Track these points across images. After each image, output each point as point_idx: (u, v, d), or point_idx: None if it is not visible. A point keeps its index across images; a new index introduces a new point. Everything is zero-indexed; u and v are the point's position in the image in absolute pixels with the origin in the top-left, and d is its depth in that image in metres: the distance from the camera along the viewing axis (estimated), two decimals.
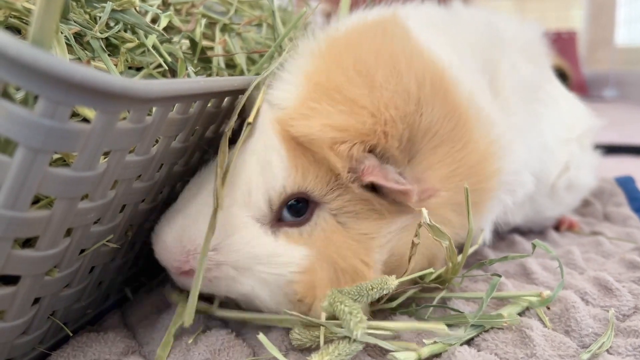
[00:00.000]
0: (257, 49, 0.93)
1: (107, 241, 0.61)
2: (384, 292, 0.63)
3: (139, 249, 0.75)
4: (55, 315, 0.61)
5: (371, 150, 0.65)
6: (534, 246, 0.69)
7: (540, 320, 0.69)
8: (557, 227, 1.16)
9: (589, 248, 1.01)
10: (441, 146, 0.70)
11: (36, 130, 0.40)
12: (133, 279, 0.82)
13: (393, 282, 0.64)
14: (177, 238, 0.64)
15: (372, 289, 0.62)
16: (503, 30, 0.94)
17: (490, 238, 0.92)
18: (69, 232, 0.52)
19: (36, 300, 0.55)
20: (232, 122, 0.66)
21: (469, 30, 0.87)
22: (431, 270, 0.71)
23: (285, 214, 0.66)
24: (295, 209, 0.66)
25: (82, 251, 0.58)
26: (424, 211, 0.66)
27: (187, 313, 0.60)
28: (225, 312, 0.70)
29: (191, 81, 0.52)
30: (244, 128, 0.65)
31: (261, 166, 0.65)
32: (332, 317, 0.61)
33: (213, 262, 0.63)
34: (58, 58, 0.37)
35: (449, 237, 0.68)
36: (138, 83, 0.42)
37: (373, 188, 0.66)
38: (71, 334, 0.66)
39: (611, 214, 1.22)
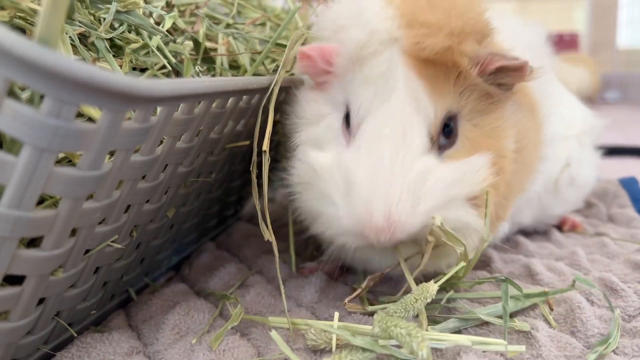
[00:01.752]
0: (260, 49, 0.93)
1: (111, 242, 0.61)
2: (428, 301, 0.63)
3: (143, 249, 0.75)
4: (60, 316, 0.61)
5: None
6: (574, 282, 0.67)
7: (546, 320, 0.69)
8: (560, 227, 1.16)
9: (594, 249, 1.00)
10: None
11: (42, 130, 0.40)
12: (137, 280, 0.82)
13: (433, 289, 0.64)
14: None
15: (416, 301, 0.62)
16: (514, 30, 0.95)
17: (507, 231, 0.92)
18: (74, 232, 0.52)
19: (41, 301, 0.55)
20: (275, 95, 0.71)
21: None
22: (463, 264, 0.69)
23: (442, 139, 0.67)
24: (447, 131, 0.67)
25: (87, 251, 0.58)
26: (438, 218, 0.64)
27: None
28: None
29: (196, 81, 0.52)
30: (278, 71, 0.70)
31: (414, 104, 0.65)
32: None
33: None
34: (64, 57, 0.37)
35: (463, 243, 0.67)
36: (144, 82, 0.42)
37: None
38: (75, 335, 0.66)
39: (615, 215, 1.21)
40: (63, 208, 0.47)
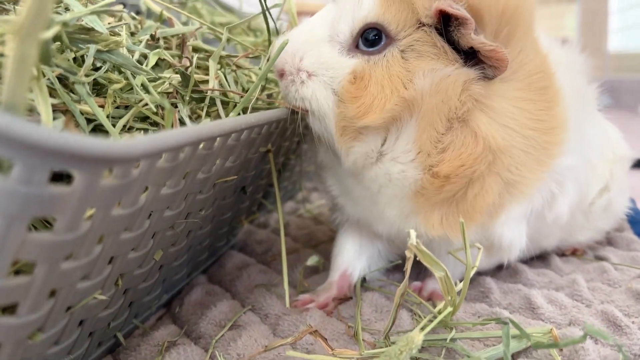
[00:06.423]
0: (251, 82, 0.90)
1: (96, 294, 0.58)
2: (413, 352, 0.61)
3: (131, 294, 0.72)
4: None
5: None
6: (586, 335, 0.64)
7: None
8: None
9: (594, 275, 0.98)
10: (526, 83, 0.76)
11: (12, 198, 0.37)
12: (126, 323, 0.79)
13: (419, 339, 0.61)
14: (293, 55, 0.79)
15: (401, 353, 0.60)
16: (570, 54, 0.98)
17: (524, 243, 0.88)
18: (53, 292, 0.50)
19: None
20: None
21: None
22: (450, 309, 0.70)
23: (361, 42, 0.76)
24: (370, 41, 0.75)
25: (69, 308, 0.55)
26: (412, 233, 0.66)
27: None
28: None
29: (177, 133, 0.50)
30: None
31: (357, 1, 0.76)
32: None
33: (295, 67, 0.79)
34: (32, 125, 0.34)
35: (444, 267, 0.67)
36: (119, 144, 0.40)
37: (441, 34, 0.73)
38: None
39: (614, 238, 1.19)
40: (39, 272, 0.44)
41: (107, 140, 0.39)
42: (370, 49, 0.75)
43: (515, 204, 0.79)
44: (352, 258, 0.98)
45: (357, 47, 0.76)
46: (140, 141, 0.43)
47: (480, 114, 0.73)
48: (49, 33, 0.49)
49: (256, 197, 1.19)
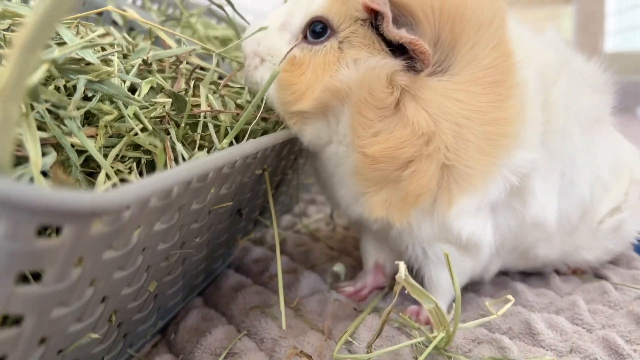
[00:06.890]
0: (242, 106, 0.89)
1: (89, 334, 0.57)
2: None
3: (125, 326, 0.71)
4: None
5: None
6: None
7: None
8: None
9: (595, 296, 0.97)
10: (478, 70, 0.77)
11: None
12: (121, 355, 0.78)
13: None
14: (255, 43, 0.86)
15: None
16: (572, 61, 0.99)
17: (491, 237, 0.87)
18: (43, 339, 0.48)
19: None
20: None
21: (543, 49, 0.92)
22: (442, 336, 0.70)
23: (308, 34, 0.81)
24: (316, 33, 0.80)
25: (61, 351, 0.54)
26: (402, 266, 0.67)
27: None
28: None
29: (169, 175, 0.49)
30: None
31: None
32: None
33: (254, 51, 0.86)
34: (17, 184, 0.33)
35: (433, 300, 0.67)
36: (108, 197, 0.39)
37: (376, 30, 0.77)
38: None
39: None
40: (28, 324, 0.43)
41: (94, 193, 0.38)
42: (316, 40, 0.80)
43: (466, 195, 0.80)
44: (378, 252, 1.04)
45: (305, 38, 0.82)
46: (130, 189, 0.42)
47: (411, 102, 0.76)
48: (37, 75, 0.48)
49: (252, 216, 1.17)
